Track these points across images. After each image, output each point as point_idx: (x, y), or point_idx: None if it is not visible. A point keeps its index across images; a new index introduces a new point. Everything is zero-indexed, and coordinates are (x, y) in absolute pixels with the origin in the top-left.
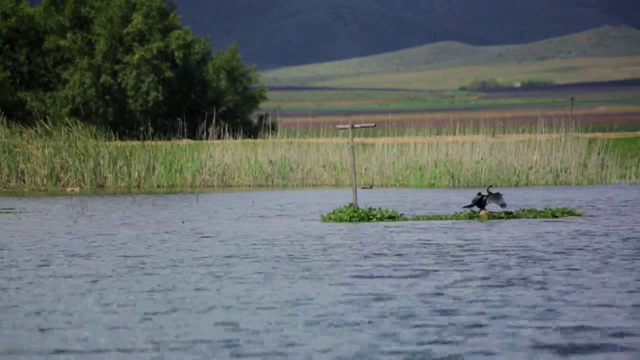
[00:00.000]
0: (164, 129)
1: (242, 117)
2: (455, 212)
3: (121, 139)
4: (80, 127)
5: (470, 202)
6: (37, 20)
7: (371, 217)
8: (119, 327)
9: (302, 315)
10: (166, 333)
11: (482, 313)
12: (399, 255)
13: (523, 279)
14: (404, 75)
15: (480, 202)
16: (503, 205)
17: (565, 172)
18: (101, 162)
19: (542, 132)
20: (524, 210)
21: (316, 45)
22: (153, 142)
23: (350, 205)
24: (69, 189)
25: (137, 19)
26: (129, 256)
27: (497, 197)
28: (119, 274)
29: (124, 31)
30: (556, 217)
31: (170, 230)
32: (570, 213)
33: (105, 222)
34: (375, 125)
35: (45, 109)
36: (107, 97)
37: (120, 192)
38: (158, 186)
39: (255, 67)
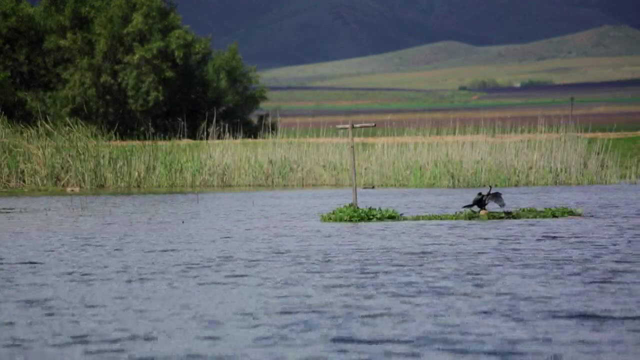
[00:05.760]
0: (164, 129)
1: (242, 117)
2: (455, 212)
3: (121, 139)
4: (80, 127)
5: (470, 202)
6: (37, 20)
7: (371, 217)
8: (112, 325)
9: (297, 318)
10: (156, 337)
11: (479, 316)
12: (398, 255)
13: (518, 278)
14: (404, 75)
15: (480, 202)
16: (503, 205)
17: (565, 172)
18: (101, 162)
19: (542, 132)
20: (524, 210)
21: (316, 45)
22: (153, 142)
23: (350, 205)
24: (69, 189)
25: (137, 18)
26: (128, 256)
27: (497, 196)
28: (118, 274)
29: (124, 31)
30: (556, 217)
31: (170, 231)
32: (570, 213)
33: (105, 222)
34: (375, 125)
35: (46, 109)
36: (108, 97)
37: (120, 192)
38: (158, 186)
39: (256, 67)
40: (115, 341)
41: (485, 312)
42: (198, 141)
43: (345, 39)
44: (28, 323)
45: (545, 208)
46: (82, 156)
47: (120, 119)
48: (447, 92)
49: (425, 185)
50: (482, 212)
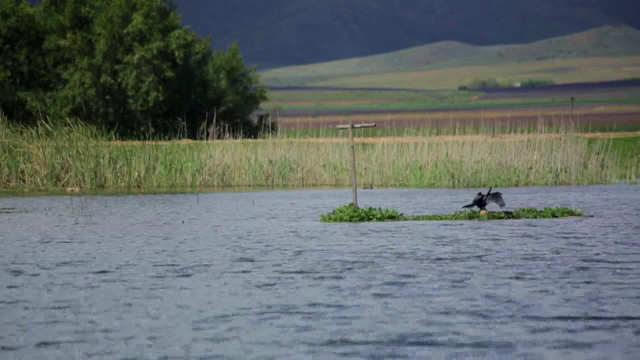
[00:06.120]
0: (164, 129)
1: (242, 117)
2: (455, 212)
3: (121, 139)
4: (80, 127)
5: (470, 202)
6: (37, 20)
7: (371, 217)
8: (104, 326)
9: (290, 319)
10: (155, 339)
11: (474, 317)
12: (397, 256)
13: (517, 278)
14: (404, 75)
15: (480, 202)
16: (503, 205)
17: (565, 172)
18: (101, 162)
19: (542, 132)
20: (524, 210)
21: (316, 45)
22: (153, 142)
23: (350, 205)
24: (69, 189)
25: (137, 18)
26: (125, 256)
27: (497, 196)
28: (113, 274)
29: (124, 31)
30: (556, 217)
31: (170, 231)
32: (571, 213)
33: (105, 222)
34: (375, 125)
35: (46, 109)
36: (108, 97)
37: (120, 192)
38: (158, 186)
39: (256, 67)
40: (105, 341)
41: (481, 312)
42: (198, 141)
43: (345, 39)
44: (21, 323)
45: (545, 208)
46: (82, 156)
47: (120, 119)
48: (447, 92)
49: (425, 185)
50: (482, 212)
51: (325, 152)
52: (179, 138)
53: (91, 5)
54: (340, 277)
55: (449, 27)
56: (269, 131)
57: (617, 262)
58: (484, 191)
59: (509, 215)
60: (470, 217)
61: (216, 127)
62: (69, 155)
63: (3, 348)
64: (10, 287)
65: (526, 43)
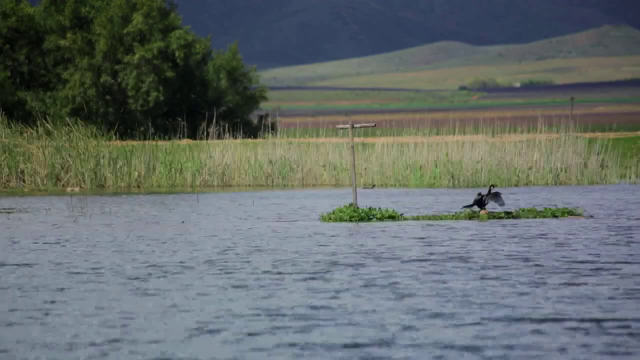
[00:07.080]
0: (164, 129)
1: (242, 117)
2: (455, 212)
3: (121, 139)
4: (80, 127)
5: (470, 202)
6: (37, 20)
7: (371, 217)
8: (112, 327)
9: (281, 321)
10: (153, 338)
11: (470, 317)
12: (396, 256)
13: (517, 279)
14: (404, 75)
15: (480, 202)
16: (503, 204)
17: (565, 172)
18: (101, 162)
19: (542, 132)
20: (524, 210)
21: (316, 45)
22: (153, 142)
23: (350, 205)
24: (69, 189)
25: (138, 18)
26: (127, 256)
27: (497, 196)
28: (117, 274)
29: (124, 31)
30: (556, 217)
31: (170, 230)
32: (571, 213)
33: (105, 222)
34: (375, 125)
35: (46, 109)
36: (108, 97)
37: (120, 192)
38: (158, 186)
39: (256, 67)
40: (97, 344)
41: (481, 313)
42: (198, 141)
43: (345, 39)
44: (16, 325)
45: (545, 208)
46: (82, 156)
47: (120, 119)
48: (447, 92)
49: (425, 185)
50: (482, 212)
51: (325, 152)
52: (179, 138)
53: (91, 5)
54: (340, 278)
55: (449, 27)
56: (269, 131)
57: (617, 262)
58: (484, 191)
59: (509, 215)
60: (470, 217)
61: (216, 127)
62: (69, 155)
63: (13, 351)
64: (8, 287)
65: (526, 43)
